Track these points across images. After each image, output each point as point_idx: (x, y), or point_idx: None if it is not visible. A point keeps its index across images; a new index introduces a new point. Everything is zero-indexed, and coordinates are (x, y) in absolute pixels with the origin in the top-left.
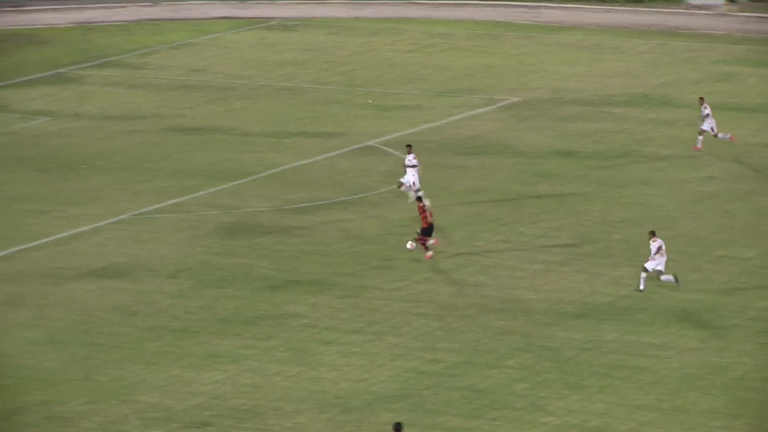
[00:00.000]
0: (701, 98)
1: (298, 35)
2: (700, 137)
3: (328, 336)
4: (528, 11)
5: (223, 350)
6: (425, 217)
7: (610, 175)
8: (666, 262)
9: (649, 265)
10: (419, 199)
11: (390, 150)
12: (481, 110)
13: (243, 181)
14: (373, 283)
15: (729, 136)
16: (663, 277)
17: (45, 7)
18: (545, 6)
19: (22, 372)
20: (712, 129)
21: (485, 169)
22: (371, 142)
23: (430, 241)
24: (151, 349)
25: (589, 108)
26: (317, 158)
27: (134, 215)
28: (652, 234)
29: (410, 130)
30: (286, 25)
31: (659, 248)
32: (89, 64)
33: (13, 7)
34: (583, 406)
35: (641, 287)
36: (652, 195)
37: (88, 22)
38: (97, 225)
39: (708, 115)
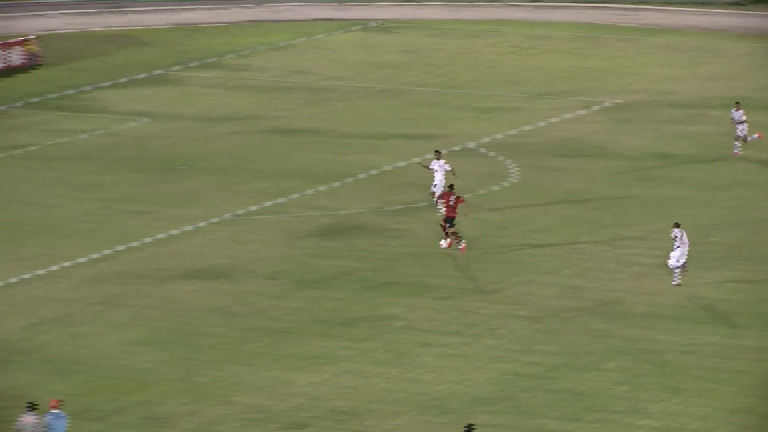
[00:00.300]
0: (738, 103)
1: (398, 37)
2: (738, 143)
3: (427, 338)
4: (628, 13)
5: (322, 351)
6: (451, 208)
7: (708, 178)
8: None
9: (672, 262)
10: (451, 187)
11: (488, 152)
12: (580, 112)
13: (342, 182)
14: (471, 285)
15: (756, 135)
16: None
17: (145, 8)
18: (645, 8)
19: (121, 372)
20: (742, 132)
21: (584, 172)
22: (470, 144)
23: (458, 243)
24: (249, 350)
25: (688, 110)
26: (416, 160)
27: (233, 216)
28: (676, 225)
29: (509, 132)
30: (386, 26)
31: (675, 237)
32: (189, 65)
33: (114, 8)
34: (682, 409)
35: (676, 282)
36: (751, 198)
37: (189, 24)
38: (196, 226)
39: (744, 121)
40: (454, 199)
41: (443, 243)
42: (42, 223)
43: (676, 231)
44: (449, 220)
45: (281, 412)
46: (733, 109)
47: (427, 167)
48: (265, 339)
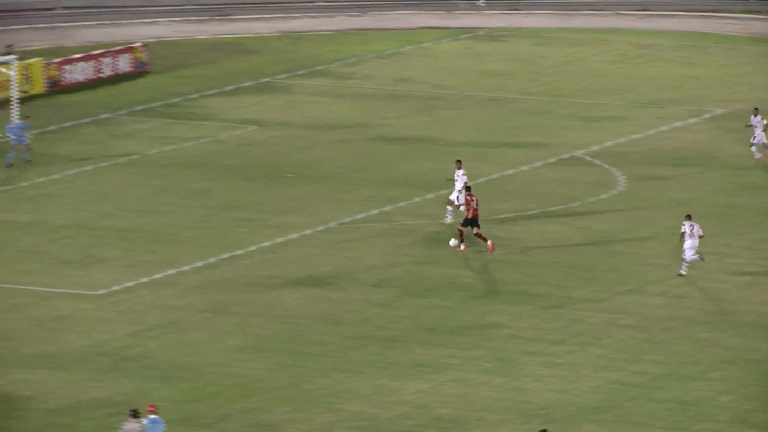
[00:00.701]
0: (756, 109)
1: (505, 45)
2: (754, 149)
3: (532, 346)
4: (737, 22)
5: (428, 360)
6: (470, 209)
7: None
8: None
9: (687, 255)
10: (468, 188)
11: (595, 161)
12: (687, 121)
13: (448, 190)
14: (577, 294)
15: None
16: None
17: (253, 16)
18: (754, 18)
19: (228, 380)
20: (755, 138)
21: (691, 181)
22: (576, 153)
23: (461, 246)
24: (355, 358)
25: None
26: (522, 168)
27: (340, 224)
28: (688, 218)
29: (615, 141)
30: (493, 35)
31: (683, 234)
32: (296, 73)
33: (222, 16)
34: None
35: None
36: None
37: (296, 32)
38: (302, 233)
39: (758, 126)
40: (476, 199)
41: (453, 242)
42: (149, 230)
43: (687, 224)
44: (473, 221)
45: (387, 420)
46: (752, 116)
47: (452, 180)
48: (371, 347)
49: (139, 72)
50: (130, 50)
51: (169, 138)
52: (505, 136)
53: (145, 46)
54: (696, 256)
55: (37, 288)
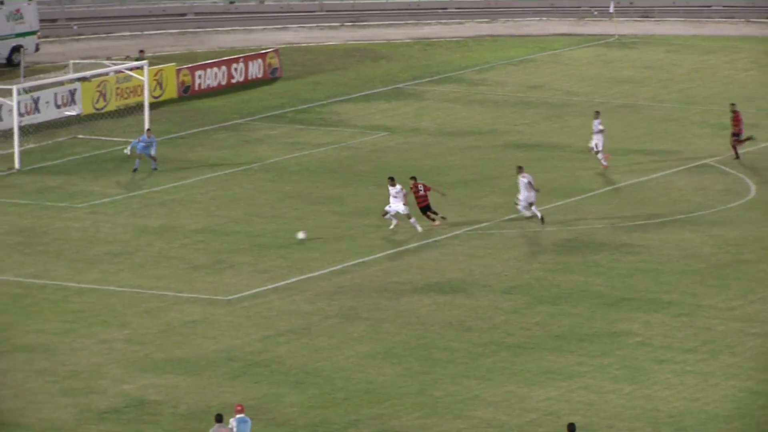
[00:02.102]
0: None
1: (637, 53)
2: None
3: (663, 354)
4: None
5: (558, 367)
6: (422, 197)
7: None
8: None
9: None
10: (413, 178)
11: (727, 169)
12: None
13: (579, 198)
14: (708, 302)
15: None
16: (534, 209)
17: (385, 23)
18: None
19: (357, 385)
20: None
21: None
22: (708, 161)
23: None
24: (485, 365)
25: None
26: (654, 176)
27: (470, 230)
28: (520, 169)
29: (748, 149)
30: (624, 42)
31: (529, 183)
32: (427, 79)
33: (353, 22)
34: None
35: (525, 214)
36: None
37: (427, 38)
38: (433, 240)
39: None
40: (422, 187)
41: (302, 235)
42: (280, 235)
43: (527, 176)
44: (426, 209)
45: (516, 427)
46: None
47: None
48: (500, 353)
49: (270, 78)
50: (261, 56)
51: (300, 144)
52: (637, 142)
53: (277, 52)
54: (537, 213)
55: (169, 293)
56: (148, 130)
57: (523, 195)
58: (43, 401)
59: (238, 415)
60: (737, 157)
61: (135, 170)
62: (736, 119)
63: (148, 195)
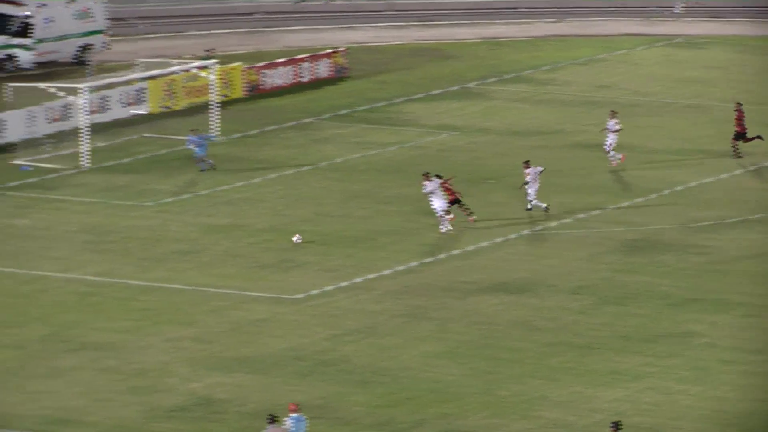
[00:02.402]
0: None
1: (706, 53)
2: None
3: (730, 355)
4: None
5: (625, 367)
6: (450, 192)
7: None
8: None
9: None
10: (438, 176)
11: None
12: None
13: (646, 198)
14: None
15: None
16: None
17: (453, 22)
18: None
19: (424, 385)
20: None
21: None
22: None
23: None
24: (552, 365)
25: None
26: (722, 176)
27: (537, 230)
28: (527, 164)
29: None
30: (693, 42)
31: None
32: (495, 79)
33: (422, 22)
34: None
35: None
36: None
37: (496, 38)
38: (500, 239)
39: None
40: (448, 184)
41: (297, 238)
42: (347, 234)
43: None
44: (456, 202)
45: (583, 427)
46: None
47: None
48: (567, 354)
49: (338, 77)
50: (329, 55)
51: (368, 143)
52: (704, 143)
53: (345, 51)
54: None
55: (235, 292)
56: (197, 130)
57: (533, 189)
58: (110, 399)
59: (293, 414)
60: (737, 156)
61: (205, 169)
62: (739, 118)
63: (216, 194)
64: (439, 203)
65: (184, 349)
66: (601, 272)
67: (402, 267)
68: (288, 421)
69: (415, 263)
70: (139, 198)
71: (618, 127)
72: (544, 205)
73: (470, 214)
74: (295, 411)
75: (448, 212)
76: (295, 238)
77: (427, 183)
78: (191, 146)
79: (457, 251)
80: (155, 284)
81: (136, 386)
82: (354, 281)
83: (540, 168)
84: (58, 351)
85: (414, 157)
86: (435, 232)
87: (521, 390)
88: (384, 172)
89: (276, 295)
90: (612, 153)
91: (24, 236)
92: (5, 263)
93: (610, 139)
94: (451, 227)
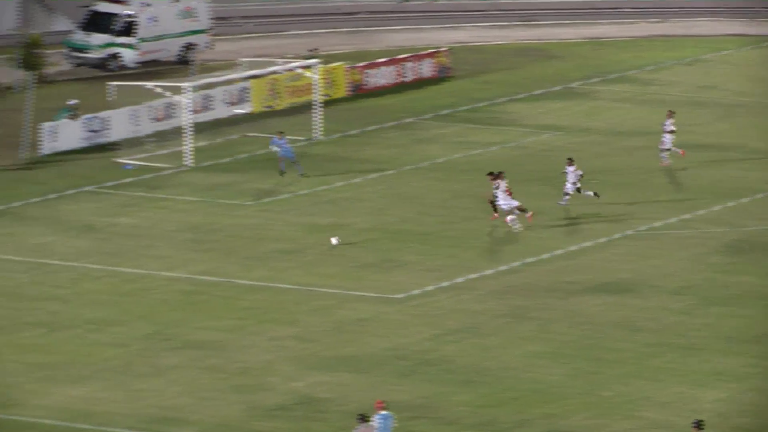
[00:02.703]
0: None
1: None
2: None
3: None
4: None
5: (727, 368)
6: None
7: None
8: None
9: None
10: (495, 174)
11: None
12: None
13: (749, 198)
14: None
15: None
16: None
17: (556, 22)
18: None
19: (526, 385)
20: None
21: None
22: None
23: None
24: (655, 365)
25: None
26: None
27: (640, 231)
28: (570, 161)
29: None
30: None
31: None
32: (599, 79)
33: (525, 22)
34: None
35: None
36: None
37: (599, 38)
38: (603, 240)
39: None
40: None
41: (335, 240)
42: (449, 234)
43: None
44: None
45: (685, 428)
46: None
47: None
48: (670, 354)
49: (441, 77)
50: (432, 55)
51: (471, 143)
52: None
53: (448, 51)
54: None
55: (338, 291)
56: (281, 132)
57: (571, 181)
58: (213, 398)
59: (380, 412)
60: None
61: (301, 175)
62: None
63: (318, 193)
64: (507, 202)
65: (287, 348)
66: (704, 273)
67: (504, 267)
68: (375, 419)
69: (517, 263)
70: (242, 197)
71: (672, 128)
72: (590, 193)
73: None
74: (382, 408)
75: (522, 209)
76: (333, 240)
77: (495, 183)
78: (275, 148)
79: (560, 251)
80: (258, 283)
81: (239, 385)
82: (456, 281)
83: (573, 167)
84: (162, 349)
85: (516, 157)
86: (537, 232)
87: (624, 390)
88: (486, 171)
89: (378, 295)
90: (664, 154)
91: (127, 235)
92: (109, 261)
93: (665, 139)
94: (520, 226)
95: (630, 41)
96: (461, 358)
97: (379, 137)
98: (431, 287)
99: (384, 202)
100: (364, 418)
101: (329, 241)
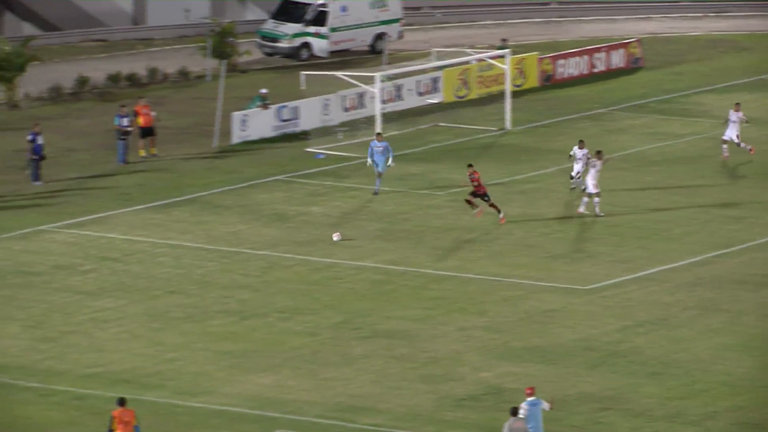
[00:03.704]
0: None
1: None
2: (724, 146)
3: None
4: None
5: None
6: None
7: None
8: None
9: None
10: (470, 165)
11: None
12: None
13: None
14: None
15: (749, 147)
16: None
17: (747, 13)
18: None
19: (716, 377)
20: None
21: None
22: None
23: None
24: None
25: None
26: None
27: None
28: (581, 143)
29: None
30: None
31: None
32: None
33: (717, 13)
34: None
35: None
36: None
37: None
38: None
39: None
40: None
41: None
42: (640, 226)
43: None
44: (481, 195)
45: None
46: (731, 110)
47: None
48: None
49: (632, 68)
50: (623, 46)
51: (662, 134)
52: None
53: (639, 41)
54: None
55: (527, 281)
56: (379, 134)
57: (578, 168)
58: (403, 387)
59: (529, 398)
60: None
61: (375, 193)
62: None
63: (509, 183)
64: (590, 179)
65: (476, 338)
66: None
67: (695, 259)
68: (524, 405)
69: (708, 255)
70: (432, 187)
71: (744, 119)
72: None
73: (475, 208)
74: (531, 395)
75: (496, 208)
76: (335, 236)
77: (577, 151)
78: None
79: (752, 243)
80: (447, 273)
81: (428, 374)
82: (647, 272)
83: (585, 151)
84: (351, 338)
85: (708, 148)
86: (729, 224)
87: None
88: (677, 163)
89: (568, 286)
90: (742, 144)
91: (318, 224)
92: (299, 250)
93: (736, 131)
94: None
95: None
96: (651, 350)
97: (569, 128)
98: (621, 278)
99: (573, 193)
100: (516, 411)
101: (331, 237)
